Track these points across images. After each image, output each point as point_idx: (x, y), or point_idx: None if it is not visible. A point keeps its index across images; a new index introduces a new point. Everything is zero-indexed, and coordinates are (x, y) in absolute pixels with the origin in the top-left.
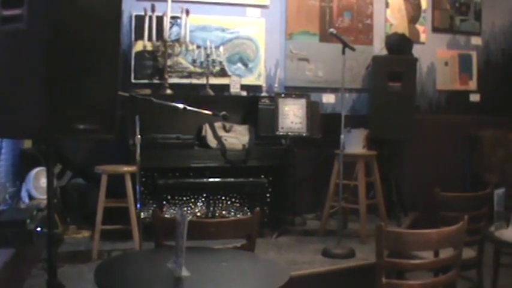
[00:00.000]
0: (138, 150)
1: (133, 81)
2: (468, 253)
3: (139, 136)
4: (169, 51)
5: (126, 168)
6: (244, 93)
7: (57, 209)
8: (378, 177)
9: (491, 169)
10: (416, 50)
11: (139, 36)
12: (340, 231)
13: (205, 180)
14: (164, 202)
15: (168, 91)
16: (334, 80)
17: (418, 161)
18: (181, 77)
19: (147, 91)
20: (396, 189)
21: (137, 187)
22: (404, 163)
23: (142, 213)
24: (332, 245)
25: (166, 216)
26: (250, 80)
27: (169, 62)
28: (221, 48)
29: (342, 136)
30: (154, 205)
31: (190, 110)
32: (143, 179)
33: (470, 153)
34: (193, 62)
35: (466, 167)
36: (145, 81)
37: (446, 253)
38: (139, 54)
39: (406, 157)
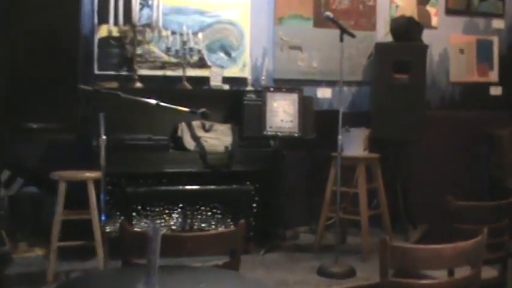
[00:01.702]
0: (103, 153)
1: (96, 72)
2: (489, 272)
3: (104, 137)
4: (139, 37)
5: (88, 174)
6: (226, 87)
7: (4, 223)
8: (382, 184)
9: None
10: (426, 36)
11: (103, 19)
12: (338, 247)
13: (181, 187)
14: (134, 213)
15: (138, 84)
16: (331, 71)
17: (429, 164)
18: (154, 68)
19: (114, 84)
20: (403, 198)
21: (101, 196)
22: (413, 167)
23: (107, 227)
24: (329, 263)
25: (136, 229)
26: (233, 71)
27: (139, 51)
28: (200, 35)
29: (340, 136)
30: (122, 217)
31: (164, 106)
32: (109, 187)
33: (490, 155)
34: (168, 50)
35: (485, 171)
36: (111, 72)
37: (462, 272)
38: (104, 40)
39: (415, 160)
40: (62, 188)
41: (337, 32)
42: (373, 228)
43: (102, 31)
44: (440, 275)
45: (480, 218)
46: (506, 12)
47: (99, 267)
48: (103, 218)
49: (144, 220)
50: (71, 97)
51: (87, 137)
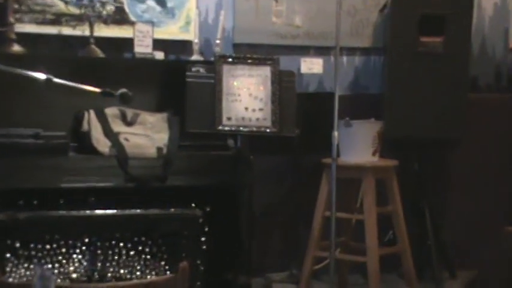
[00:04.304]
0: None
1: None
2: None
3: None
4: None
5: None
6: (159, 56)
7: None
8: (401, 207)
9: None
10: None
11: None
12: None
13: (88, 213)
14: (8, 254)
15: (16, 48)
16: (323, 32)
17: (475, 177)
18: (42, 23)
19: None
20: (433, 228)
21: None
22: (450, 182)
23: None
24: None
25: (10, 280)
26: (171, 30)
27: None
28: None
29: (336, 133)
30: None
31: (59, 84)
32: None
33: None
34: None
35: None
36: None
37: None
38: None
39: (452, 171)
40: None
41: None
42: (387, 275)
43: None
44: None
45: None
46: None
47: None
48: None
49: (26, 264)
50: None
51: None
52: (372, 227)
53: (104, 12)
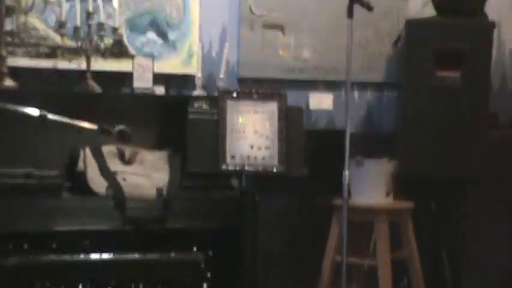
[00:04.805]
0: None
1: None
2: None
3: None
4: (10, 2)
5: None
6: (160, 91)
7: None
8: (416, 252)
9: None
10: (492, 8)
11: None
12: None
13: (82, 258)
14: None
15: (9, 82)
16: (333, 66)
17: (498, 221)
18: (36, 56)
19: None
20: (453, 275)
21: None
22: (470, 226)
23: None
24: None
25: None
26: (172, 64)
27: (9, 25)
28: (115, 1)
29: (347, 173)
30: None
31: (53, 121)
32: None
33: None
34: (60, 26)
35: None
36: None
37: None
38: None
39: (473, 214)
40: None
41: (343, 1)
42: None
43: None
44: None
45: None
46: None
47: None
48: None
49: None
50: None
51: None
52: (385, 273)
53: (102, 45)
